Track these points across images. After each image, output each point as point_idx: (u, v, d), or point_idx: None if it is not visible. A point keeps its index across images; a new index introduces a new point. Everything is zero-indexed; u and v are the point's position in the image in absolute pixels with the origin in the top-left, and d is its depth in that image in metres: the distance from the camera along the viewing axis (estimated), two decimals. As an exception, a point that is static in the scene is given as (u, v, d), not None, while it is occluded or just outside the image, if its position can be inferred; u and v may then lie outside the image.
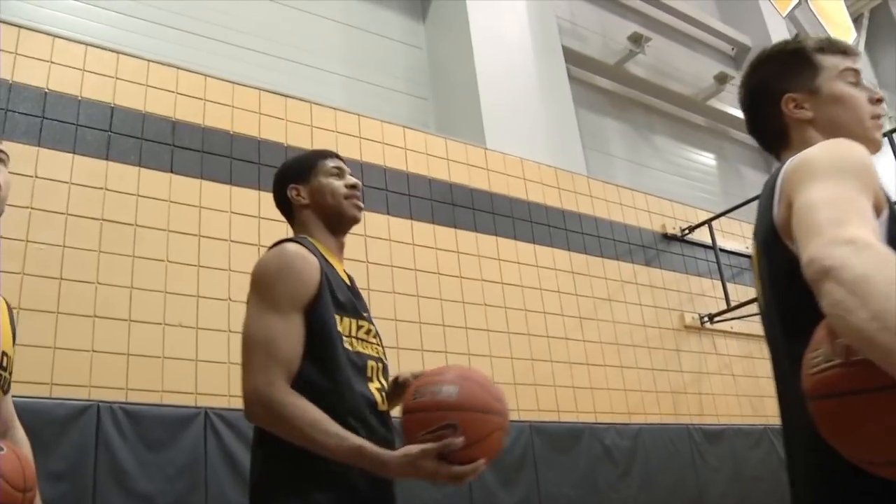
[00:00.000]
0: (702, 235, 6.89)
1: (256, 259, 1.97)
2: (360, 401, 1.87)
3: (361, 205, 2.15)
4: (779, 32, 9.42)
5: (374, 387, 1.95)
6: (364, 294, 2.12)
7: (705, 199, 8.17)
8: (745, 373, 6.59)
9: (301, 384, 1.79)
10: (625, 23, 8.53)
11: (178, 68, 4.58)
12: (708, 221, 6.75)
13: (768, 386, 6.31)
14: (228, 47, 5.42)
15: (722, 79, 8.04)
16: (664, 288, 6.42)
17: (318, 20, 6.16)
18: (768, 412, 6.52)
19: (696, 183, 8.57)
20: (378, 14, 6.61)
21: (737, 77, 9.28)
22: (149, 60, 4.49)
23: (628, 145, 8.11)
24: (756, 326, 6.85)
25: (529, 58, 6.72)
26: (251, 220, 4.43)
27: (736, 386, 6.45)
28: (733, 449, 5.99)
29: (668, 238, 6.70)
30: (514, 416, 4.95)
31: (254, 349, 1.81)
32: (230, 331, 4.05)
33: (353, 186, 2.16)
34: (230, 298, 4.14)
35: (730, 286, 6.65)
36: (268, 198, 4.52)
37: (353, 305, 2.02)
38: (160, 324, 3.88)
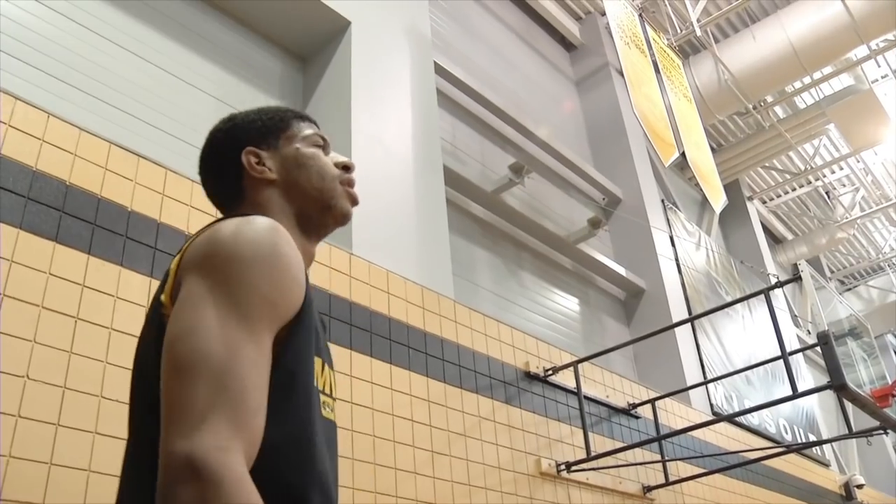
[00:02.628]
0: (564, 379, 6.57)
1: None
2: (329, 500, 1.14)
3: (357, 198, 1.45)
4: (649, 187, 9.65)
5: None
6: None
7: (566, 344, 7.94)
8: (597, 531, 6.15)
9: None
10: (504, 155, 8.47)
11: (15, 98, 3.90)
12: (574, 364, 6.44)
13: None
14: (76, 92, 4.79)
15: (595, 223, 8.01)
16: (522, 429, 5.97)
17: (191, 90, 5.64)
18: (617, 577, 6.07)
19: (558, 326, 8.38)
20: (256, 101, 6.17)
21: (607, 224, 9.36)
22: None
23: (496, 278, 7.85)
24: (611, 480, 6.50)
25: (409, 169, 6.39)
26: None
27: (587, 544, 5.98)
28: None
29: (530, 377, 6.32)
30: (346, 560, 4.27)
31: (202, 378, 0.99)
32: None
33: (347, 168, 1.44)
34: None
35: (589, 434, 6.31)
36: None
37: (328, 348, 1.31)
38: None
